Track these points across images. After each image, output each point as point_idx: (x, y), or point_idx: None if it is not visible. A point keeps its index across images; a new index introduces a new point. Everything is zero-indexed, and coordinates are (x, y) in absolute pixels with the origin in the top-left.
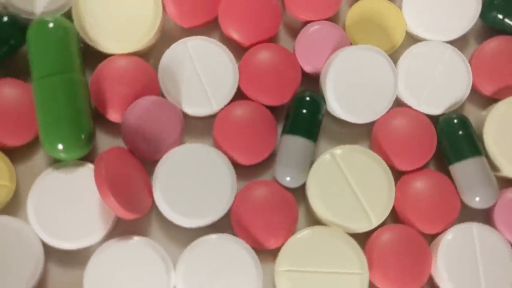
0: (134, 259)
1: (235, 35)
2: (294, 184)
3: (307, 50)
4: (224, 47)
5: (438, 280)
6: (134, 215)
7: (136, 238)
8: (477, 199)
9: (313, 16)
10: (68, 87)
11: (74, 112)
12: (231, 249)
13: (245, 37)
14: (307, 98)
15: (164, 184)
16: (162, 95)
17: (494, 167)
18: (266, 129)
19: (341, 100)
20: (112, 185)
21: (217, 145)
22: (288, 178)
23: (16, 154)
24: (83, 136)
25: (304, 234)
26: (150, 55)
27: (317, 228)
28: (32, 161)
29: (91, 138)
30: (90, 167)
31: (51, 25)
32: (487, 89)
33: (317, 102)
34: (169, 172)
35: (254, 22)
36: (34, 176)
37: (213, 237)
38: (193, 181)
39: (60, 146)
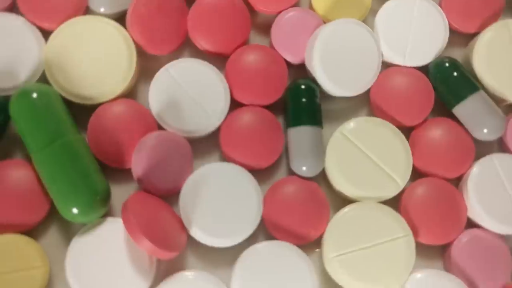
0: None
1: (210, 47)
2: (312, 172)
3: (284, 40)
4: (204, 61)
5: (474, 216)
6: (174, 252)
7: (189, 274)
8: (485, 130)
9: (277, 7)
10: (70, 150)
11: (83, 174)
12: (282, 254)
13: (220, 47)
14: (302, 86)
15: (191, 210)
16: (161, 128)
17: (495, 99)
18: (271, 130)
19: (332, 77)
20: (144, 228)
21: (226, 157)
22: (304, 168)
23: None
24: (98, 197)
25: (341, 215)
26: (135, 93)
27: (352, 207)
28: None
29: (107, 194)
30: (114, 220)
31: (34, 94)
32: (465, 26)
33: (311, 87)
34: (194, 197)
35: (225, 29)
36: (60, 250)
37: (260, 245)
38: (219, 200)
39: (75, 210)
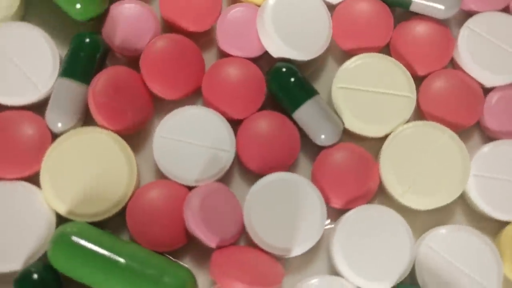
0: None
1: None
2: (335, 137)
3: (230, 36)
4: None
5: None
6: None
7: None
8: (323, 136)
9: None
10: None
11: None
12: (383, 217)
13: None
14: (283, 69)
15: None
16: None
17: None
18: (287, 134)
19: (289, 42)
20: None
21: (245, 167)
22: (323, 136)
23: None
24: None
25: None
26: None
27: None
28: None
29: None
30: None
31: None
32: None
33: (289, 66)
34: (260, 209)
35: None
36: None
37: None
38: (284, 211)
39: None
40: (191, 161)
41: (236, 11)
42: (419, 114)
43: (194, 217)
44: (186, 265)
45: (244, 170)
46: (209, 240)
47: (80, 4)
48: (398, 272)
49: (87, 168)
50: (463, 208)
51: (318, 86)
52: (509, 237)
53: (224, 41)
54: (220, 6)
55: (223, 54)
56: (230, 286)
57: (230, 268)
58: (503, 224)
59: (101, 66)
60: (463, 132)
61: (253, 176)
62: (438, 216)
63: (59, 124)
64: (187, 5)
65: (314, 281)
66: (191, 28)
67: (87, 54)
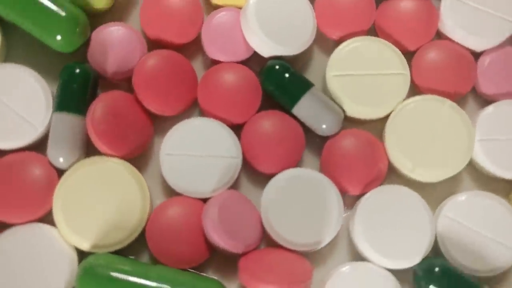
0: None
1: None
2: (338, 124)
3: (217, 43)
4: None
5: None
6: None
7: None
8: (324, 126)
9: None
10: None
11: None
12: (399, 196)
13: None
14: (276, 67)
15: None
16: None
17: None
18: (291, 130)
19: (277, 39)
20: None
21: (250, 166)
22: (325, 126)
23: None
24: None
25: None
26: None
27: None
28: None
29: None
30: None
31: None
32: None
33: (282, 63)
34: (277, 208)
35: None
36: None
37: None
38: (300, 207)
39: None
40: (201, 173)
41: (219, 16)
42: (415, 89)
43: (215, 229)
44: (213, 277)
45: (250, 173)
46: (234, 247)
47: (61, 36)
48: (422, 247)
49: (98, 198)
50: (470, 175)
51: (311, 77)
52: None
53: (211, 48)
54: (202, 14)
55: (212, 62)
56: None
57: (260, 271)
58: None
59: (94, 94)
60: (460, 100)
61: (260, 177)
62: (448, 186)
63: (61, 159)
64: (168, 19)
65: (345, 268)
66: (177, 41)
67: (79, 85)
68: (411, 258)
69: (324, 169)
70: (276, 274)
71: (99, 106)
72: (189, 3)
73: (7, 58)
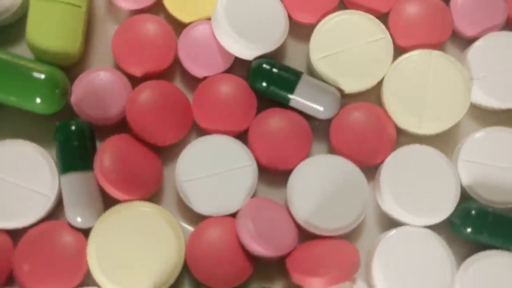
0: None
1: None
2: (335, 108)
3: (196, 59)
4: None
5: None
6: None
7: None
8: (322, 109)
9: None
10: None
11: None
12: (417, 155)
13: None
14: (264, 65)
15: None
16: None
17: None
18: (296, 123)
19: (252, 38)
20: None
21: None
22: (322, 109)
23: None
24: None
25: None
26: None
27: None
28: None
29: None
30: None
31: None
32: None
33: (268, 60)
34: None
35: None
36: None
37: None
38: (327, 193)
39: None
40: (223, 190)
41: (193, 31)
42: (400, 50)
43: (254, 239)
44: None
45: (263, 175)
46: (278, 252)
47: (40, 98)
48: (452, 196)
49: (133, 247)
50: (470, 117)
51: (295, 67)
52: None
53: (192, 68)
54: (173, 35)
55: (196, 79)
56: (319, 283)
57: (311, 267)
58: None
59: (93, 145)
60: (443, 47)
61: (274, 177)
62: (453, 134)
63: (79, 219)
64: (142, 49)
65: (392, 233)
66: (156, 68)
67: (78, 141)
68: (444, 210)
69: (336, 150)
70: (327, 264)
71: (106, 156)
72: (158, 28)
73: None
